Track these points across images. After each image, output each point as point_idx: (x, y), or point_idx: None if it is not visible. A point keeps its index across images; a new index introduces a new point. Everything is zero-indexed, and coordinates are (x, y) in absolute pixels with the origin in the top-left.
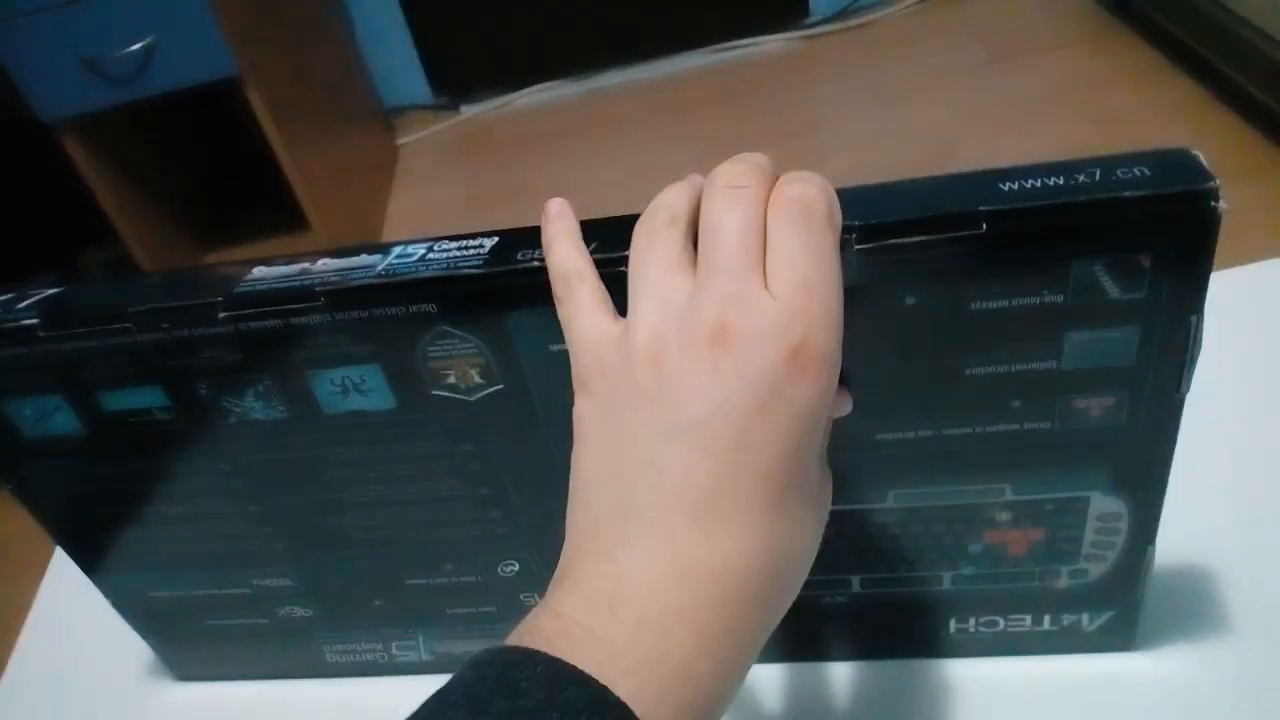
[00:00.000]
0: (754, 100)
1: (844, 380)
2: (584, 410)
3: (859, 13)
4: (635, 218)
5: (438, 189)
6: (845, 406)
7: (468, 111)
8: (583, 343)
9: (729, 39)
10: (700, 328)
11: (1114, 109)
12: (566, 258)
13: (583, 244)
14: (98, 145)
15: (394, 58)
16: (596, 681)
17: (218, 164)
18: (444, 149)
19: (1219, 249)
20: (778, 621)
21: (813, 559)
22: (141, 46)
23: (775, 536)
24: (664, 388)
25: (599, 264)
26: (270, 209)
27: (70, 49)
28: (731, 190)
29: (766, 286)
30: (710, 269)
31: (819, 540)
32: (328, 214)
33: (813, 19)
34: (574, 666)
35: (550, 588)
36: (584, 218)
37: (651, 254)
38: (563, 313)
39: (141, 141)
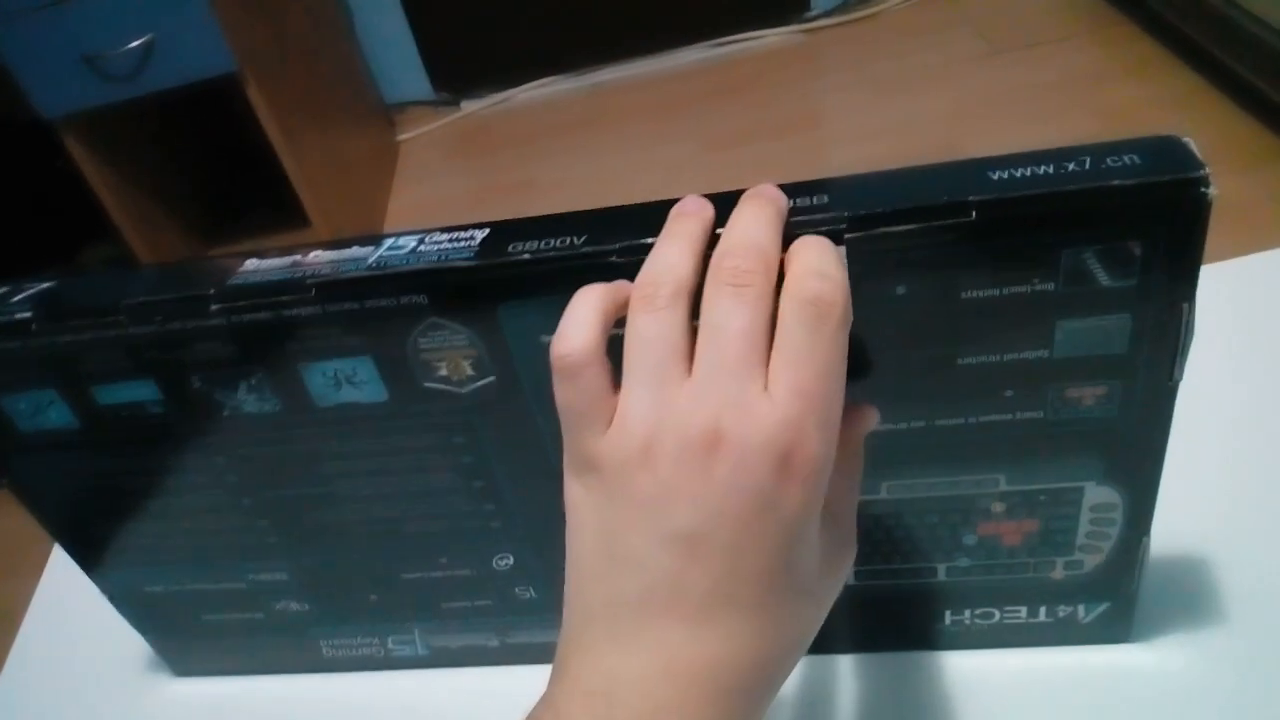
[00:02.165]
0: (755, 94)
1: (858, 383)
2: (577, 499)
3: (860, 6)
4: (628, 209)
5: (439, 185)
6: (872, 420)
7: (468, 107)
8: (579, 436)
9: (730, 33)
10: (695, 432)
11: (1116, 101)
12: (588, 332)
13: (610, 322)
14: (98, 142)
15: (394, 54)
16: None
17: (219, 161)
18: (445, 145)
19: (1221, 240)
20: (767, 707)
21: (807, 644)
22: (141, 43)
23: (763, 634)
24: (658, 493)
25: (589, 257)
26: (271, 206)
27: (70, 46)
28: (737, 289)
29: (766, 386)
30: (709, 369)
31: (816, 626)
32: (328, 210)
33: (814, 12)
34: None
35: (550, 678)
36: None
37: (651, 338)
38: (562, 395)
39: (142, 139)
